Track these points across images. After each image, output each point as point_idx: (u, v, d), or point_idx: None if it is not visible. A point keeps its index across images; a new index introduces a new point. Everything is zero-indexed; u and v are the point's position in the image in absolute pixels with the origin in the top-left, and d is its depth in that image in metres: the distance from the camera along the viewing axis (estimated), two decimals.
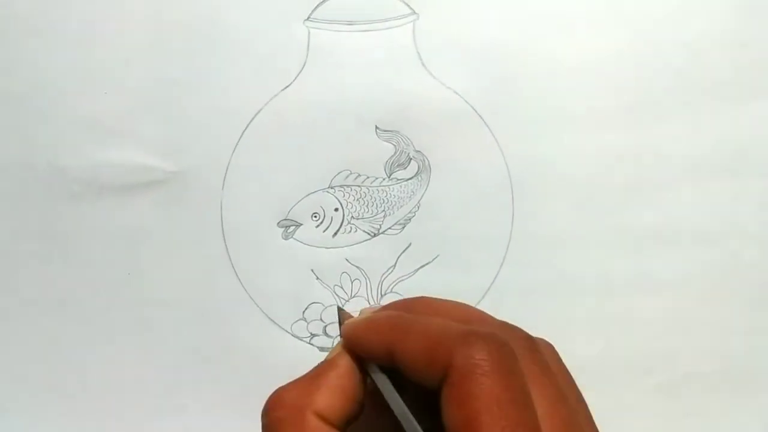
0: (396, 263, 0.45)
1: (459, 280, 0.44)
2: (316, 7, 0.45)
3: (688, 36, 0.45)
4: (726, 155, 0.45)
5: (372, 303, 0.45)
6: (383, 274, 0.45)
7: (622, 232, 0.45)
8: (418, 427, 0.23)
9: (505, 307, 0.44)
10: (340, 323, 0.27)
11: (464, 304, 0.27)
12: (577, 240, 0.45)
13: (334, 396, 0.24)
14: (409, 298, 0.28)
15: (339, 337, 0.27)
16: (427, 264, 0.45)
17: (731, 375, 0.45)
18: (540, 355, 0.24)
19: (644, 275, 0.45)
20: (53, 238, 0.45)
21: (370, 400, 0.25)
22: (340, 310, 0.28)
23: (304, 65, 0.45)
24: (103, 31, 0.44)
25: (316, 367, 0.25)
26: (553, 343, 0.26)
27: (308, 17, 0.45)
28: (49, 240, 0.45)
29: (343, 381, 0.24)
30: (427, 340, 0.22)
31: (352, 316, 0.27)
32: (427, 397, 0.22)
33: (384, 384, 0.24)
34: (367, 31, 0.45)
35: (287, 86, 0.45)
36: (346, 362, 0.25)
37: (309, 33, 0.45)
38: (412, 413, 0.23)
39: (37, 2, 0.45)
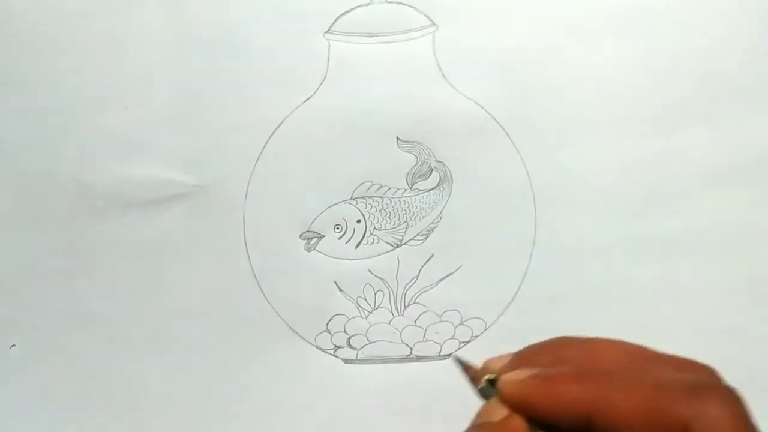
0: (419, 274, 0.45)
1: (482, 290, 0.44)
2: (335, 20, 0.45)
3: (707, 43, 0.45)
4: (747, 162, 0.45)
5: (395, 314, 0.45)
6: (406, 285, 0.45)
7: (644, 240, 0.45)
8: None
9: (529, 317, 0.44)
10: (470, 373, 0.24)
11: (619, 341, 0.24)
12: (600, 249, 0.44)
13: None
14: (547, 342, 0.24)
15: (480, 392, 0.24)
16: (450, 275, 0.45)
17: (755, 383, 0.44)
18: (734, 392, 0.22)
19: (667, 283, 0.45)
20: (78, 253, 0.45)
21: None
22: (461, 362, 0.25)
23: (324, 78, 0.45)
24: (127, 47, 0.45)
25: (480, 426, 0.22)
26: None
27: (328, 30, 0.45)
28: (73, 255, 0.45)
29: None
30: (647, 402, 0.20)
31: (474, 367, 0.25)
32: None
33: None
34: (387, 42, 0.45)
35: (308, 99, 0.45)
36: (519, 425, 0.22)
37: (329, 45, 0.45)
38: None
39: (61, 18, 0.45)
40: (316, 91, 0.45)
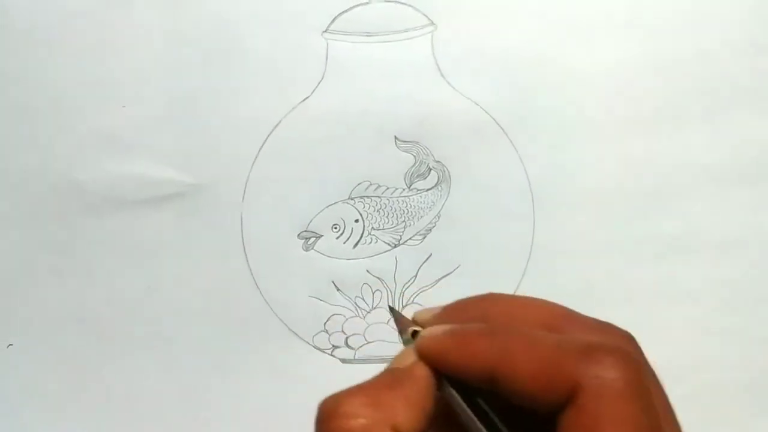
0: (417, 274, 0.45)
1: (480, 290, 0.44)
2: (334, 19, 0.45)
3: (706, 43, 0.45)
4: (746, 162, 0.45)
5: None
6: (404, 284, 0.45)
7: (643, 241, 0.45)
8: None
9: None
10: (399, 325, 0.25)
11: (541, 300, 0.24)
12: (599, 249, 0.44)
13: (413, 409, 0.22)
14: (477, 297, 0.25)
15: (403, 342, 0.25)
16: (448, 274, 0.45)
17: (754, 384, 0.44)
18: (642, 356, 0.22)
19: (666, 284, 0.45)
20: (72, 252, 0.45)
21: (442, 411, 0.23)
22: (394, 311, 0.26)
23: (322, 77, 0.45)
24: (122, 45, 0.45)
25: (384, 375, 0.23)
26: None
27: (326, 29, 0.45)
28: (67, 254, 0.45)
29: (421, 393, 0.22)
30: (543, 360, 0.20)
31: (409, 320, 0.25)
32: (512, 418, 0.21)
33: (460, 403, 0.22)
34: (386, 42, 0.45)
35: (306, 98, 0.45)
36: (423, 373, 0.22)
37: (327, 45, 0.45)
38: (501, 427, 0.21)
39: (56, 16, 0.45)
40: (314, 90, 0.45)
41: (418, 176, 0.45)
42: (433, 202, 0.45)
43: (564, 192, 0.45)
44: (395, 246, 0.45)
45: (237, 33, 0.45)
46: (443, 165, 0.45)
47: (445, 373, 0.23)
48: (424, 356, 0.23)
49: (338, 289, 0.45)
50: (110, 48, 0.45)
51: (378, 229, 0.45)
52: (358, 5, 0.45)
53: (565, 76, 0.45)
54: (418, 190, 0.45)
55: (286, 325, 0.44)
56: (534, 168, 0.45)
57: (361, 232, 0.45)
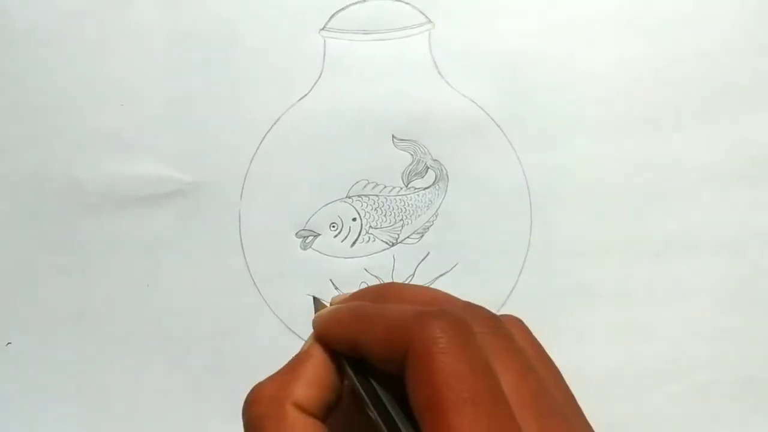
0: (414, 272, 0.45)
1: (477, 289, 0.44)
2: (331, 17, 0.45)
3: (705, 43, 0.45)
4: (745, 162, 0.45)
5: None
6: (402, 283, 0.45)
7: (640, 240, 0.45)
8: (396, 418, 0.22)
9: (524, 316, 0.44)
10: (315, 311, 0.27)
11: (432, 289, 0.27)
12: (596, 248, 0.44)
13: (311, 386, 0.24)
14: (377, 285, 0.28)
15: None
16: (445, 273, 0.45)
17: (751, 383, 0.45)
18: (503, 330, 0.23)
19: (663, 283, 0.45)
20: (71, 251, 0.45)
21: (348, 388, 0.25)
22: (315, 299, 0.28)
23: (320, 75, 0.45)
24: (121, 44, 0.45)
25: (291, 360, 0.25)
26: (521, 318, 0.26)
27: (324, 27, 0.45)
28: (67, 253, 0.45)
29: (318, 371, 0.24)
30: (386, 328, 0.22)
31: (326, 305, 0.27)
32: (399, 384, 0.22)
33: (350, 375, 0.24)
34: (383, 40, 0.45)
35: (304, 96, 0.45)
36: (319, 353, 0.25)
37: (325, 42, 0.45)
38: (386, 402, 0.23)
39: (55, 15, 0.45)
40: (311, 88, 0.45)
41: (415, 175, 0.45)
42: (430, 200, 0.45)
43: (562, 191, 0.45)
44: (393, 245, 0.45)
45: (235, 31, 0.45)
46: (441, 163, 0.45)
47: (335, 349, 0.25)
48: (316, 334, 0.26)
49: (336, 288, 0.45)
50: (110, 47, 0.45)
51: (376, 228, 0.45)
52: (355, 3, 0.45)
53: (564, 74, 0.45)
54: (415, 188, 0.45)
55: (283, 323, 0.44)
56: (532, 166, 0.44)
57: (358, 231, 0.45)
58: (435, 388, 0.20)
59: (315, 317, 0.26)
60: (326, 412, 0.24)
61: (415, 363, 0.21)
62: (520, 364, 0.22)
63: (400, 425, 0.22)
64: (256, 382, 0.25)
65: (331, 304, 0.28)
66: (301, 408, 0.23)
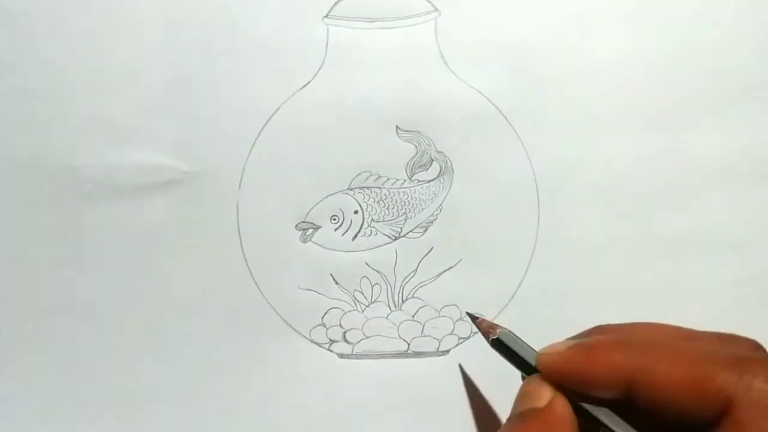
0: (417, 268, 0.43)
1: (482, 285, 0.43)
2: (334, 4, 0.44)
3: (716, 37, 0.44)
4: (756, 159, 0.44)
5: (393, 308, 0.43)
6: (404, 278, 0.43)
7: (650, 237, 0.43)
8: None
9: (531, 313, 0.43)
10: (485, 334, 0.24)
11: (652, 323, 0.24)
12: (605, 245, 0.43)
13: None
14: (586, 332, 0.24)
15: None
16: (449, 269, 0.43)
17: None
18: None
19: (672, 282, 0.43)
20: (67, 240, 0.44)
21: None
22: (471, 315, 0.26)
23: (322, 64, 0.43)
24: (119, 30, 0.43)
25: (530, 421, 0.21)
26: None
27: (327, 14, 0.44)
28: (62, 242, 0.44)
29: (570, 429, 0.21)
30: (691, 371, 0.19)
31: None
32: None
33: (614, 419, 0.21)
34: (388, 28, 0.44)
35: (305, 85, 0.44)
36: (563, 405, 0.21)
37: (328, 30, 0.44)
38: None
39: (53, 0, 0.44)
40: (313, 77, 0.43)
41: (419, 167, 0.44)
42: (434, 193, 0.44)
43: (570, 185, 0.43)
44: (395, 238, 0.44)
45: (235, 19, 0.43)
46: (446, 156, 0.44)
47: (578, 396, 0.21)
48: (554, 376, 0.22)
49: (336, 282, 0.43)
50: (108, 33, 0.44)
51: (378, 221, 0.44)
52: None
53: (573, 67, 0.43)
54: (419, 181, 0.44)
55: (282, 317, 0.43)
56: (539, 160, 0.43)
57: (360, 224, 0.44)
58: None
59: (550, 351, 0.22)
60: None
61: (744, 420, 0.19)
62: None
63: None
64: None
65: (538, 359, 0.24)
66: None
